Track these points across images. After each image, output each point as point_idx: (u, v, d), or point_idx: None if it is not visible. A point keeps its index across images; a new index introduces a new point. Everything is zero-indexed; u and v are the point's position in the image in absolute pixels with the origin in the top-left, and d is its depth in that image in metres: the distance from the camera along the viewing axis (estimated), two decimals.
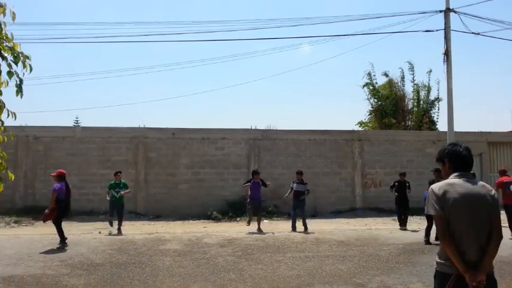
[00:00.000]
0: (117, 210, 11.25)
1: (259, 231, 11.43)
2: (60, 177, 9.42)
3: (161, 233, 11.40)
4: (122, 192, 11.26)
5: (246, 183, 12.13)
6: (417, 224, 13.39)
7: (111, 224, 11.22)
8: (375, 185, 16.13)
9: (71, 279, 6.49)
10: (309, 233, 11.14)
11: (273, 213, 14.60)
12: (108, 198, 11.42)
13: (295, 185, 11.96)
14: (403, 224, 12.21)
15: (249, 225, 11.83)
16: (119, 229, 11.05)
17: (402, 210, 12.25)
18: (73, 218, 13.17)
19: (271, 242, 9.77)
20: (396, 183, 12.45)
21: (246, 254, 8.42)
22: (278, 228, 12.28)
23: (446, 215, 2.78)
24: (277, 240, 10.14)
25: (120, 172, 11.94)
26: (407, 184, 12.39)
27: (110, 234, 10.95)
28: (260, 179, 12.08)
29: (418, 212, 14.40)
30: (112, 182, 11.54)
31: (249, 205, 11.91)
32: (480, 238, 2.75)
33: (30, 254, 8.35)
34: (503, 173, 10.94)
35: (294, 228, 11.74)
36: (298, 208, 11.85)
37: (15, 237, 10.37)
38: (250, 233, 11.26)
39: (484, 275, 2.68)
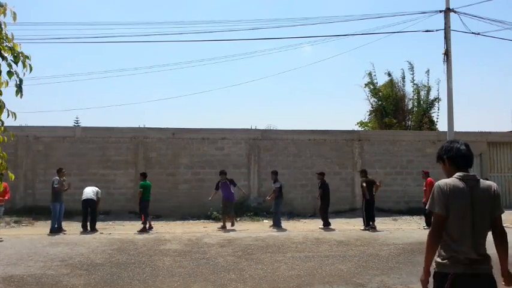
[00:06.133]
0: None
1: (231, 227, 12.14)
2: None
3: (161, 233, 11.40)
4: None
5: (216, 187, 12.75)
6: (417, 223, 13.40)
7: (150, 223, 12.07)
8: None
9: (71, 279, 6.49)
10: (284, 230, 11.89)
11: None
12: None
13: (272, 185, 12.86)
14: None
15: (224, 226, 12.23)
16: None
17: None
18: (73, 218, 13.16)
19: (271, 242, 9.78)
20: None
21: (246, 254, 8.42)
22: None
23: (448, 213, 2.78)
24: (277, 240, 10.14)
25: (141, 174, 12.67)
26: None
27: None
28: (227, 178, 12.74)
29: (419, 212, 14.42)
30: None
31: (222, 205, 12.56)
32: (479, 237, 2.76)
33: (30, 254, 8.35)
34: None
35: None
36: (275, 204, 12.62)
37: (15, 237, 10.37)
38: (224, 231, 11.82)
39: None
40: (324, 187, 12.71)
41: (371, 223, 12.07)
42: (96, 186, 12.33)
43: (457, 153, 2.92)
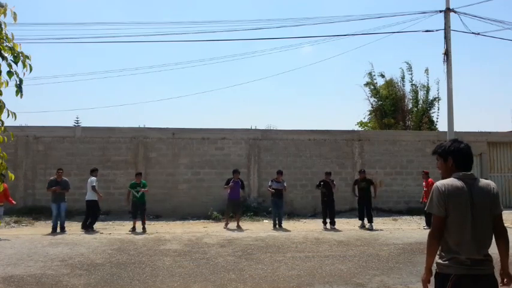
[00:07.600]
0: (140, 210, 11.87)
1: (238, 228, 12.12)
2: None
3: (161, 233, 11.40)
4: (142, 190, 11.93)
5: (227, 183, 12.57)
6: (417, 223, 13.40)
7: (135, 226, 11.80)
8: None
9: (71, 279, 6.49)
10: (287, 230, 11.81)
11: None
12: (130, 197, 12.03)
13: (274, 183, 12.59)
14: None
15: (226, 226, 12.36)
16: (144, 228, 11.72)
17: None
18: (73, 218, 13.20)
19: (271, 242, 9.78)
20: (322, 183, 12.76)
21: (246, 254, 8.42)
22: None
23: (448, 214, 2.77)
24: (277, 240, 10.14)
25: (141, 174, 12.63)
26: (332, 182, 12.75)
27: (132, 231, 11.51)
28: (239, 178, 12.74)
29: (419, 212, 14.42)
30: (133, 182, 12.15)
31: (228, 204, 12.60)
32: (482, 237, 2.75)
33: (30, 254, 8.35)
34: None
35: (275, 225, 12.42)
36: (278, 206, 12.45)
37: (15, 237, 10.37)
38: (229, 230, 11.87)
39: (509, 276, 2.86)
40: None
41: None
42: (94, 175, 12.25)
43: (464, 155, 2.90)
